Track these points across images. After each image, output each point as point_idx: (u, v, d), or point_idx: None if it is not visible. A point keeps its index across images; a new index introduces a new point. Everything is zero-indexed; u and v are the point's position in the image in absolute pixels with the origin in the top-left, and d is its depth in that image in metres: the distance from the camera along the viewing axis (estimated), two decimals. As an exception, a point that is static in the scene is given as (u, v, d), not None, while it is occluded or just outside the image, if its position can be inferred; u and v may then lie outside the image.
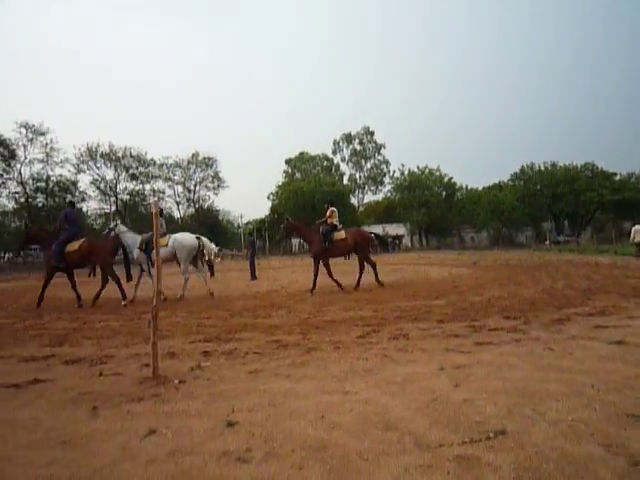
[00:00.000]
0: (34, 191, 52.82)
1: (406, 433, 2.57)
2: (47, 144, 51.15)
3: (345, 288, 10.86)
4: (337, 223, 11.56)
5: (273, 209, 69.00)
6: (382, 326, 5.89)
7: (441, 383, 3.46)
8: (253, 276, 16.07)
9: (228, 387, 3.58)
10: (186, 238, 10.60)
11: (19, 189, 51.59)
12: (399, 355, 4.38)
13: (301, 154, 75.91)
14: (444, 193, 66.80)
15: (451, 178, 67.19)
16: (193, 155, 66.12)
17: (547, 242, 50.07)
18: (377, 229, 68.89)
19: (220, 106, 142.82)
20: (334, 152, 78.44)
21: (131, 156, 60.27)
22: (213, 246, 11.53)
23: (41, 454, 2.51)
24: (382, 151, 76.86)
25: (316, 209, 64.27)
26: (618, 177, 61.88)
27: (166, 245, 10.30)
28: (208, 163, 66.78)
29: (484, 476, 2.08)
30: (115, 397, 3.44)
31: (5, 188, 50.99)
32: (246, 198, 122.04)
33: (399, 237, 67.13)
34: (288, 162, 76.36)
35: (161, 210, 11.70)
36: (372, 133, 76.86)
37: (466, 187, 69.51)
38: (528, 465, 2.15)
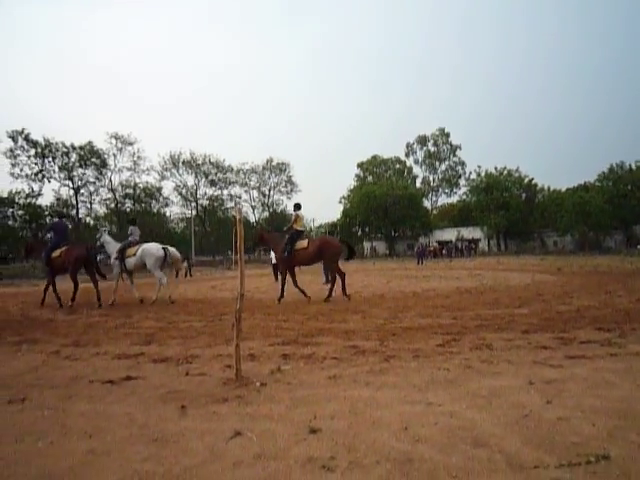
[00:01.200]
0: (123, 197, 57.14)
1: (496, 451, 2.44)
2: (134, 153, 55.39)
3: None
4: (302, 229, 10.96)
5: (345, 212, 69.35)
6: (462, 335, 5.69)
7: (531, 398, 3.27)
8: (327, 279, 16.17)
9: (308, 392, 3.61)
10: (153, 248, 11.25)
11: (110, 195, 56.05)
12: (483, 366, 4.20)
13: (373, 157, 75.75)
14: (524, 195, 63.79)
15: (532, 179, 64.10)
16: (267, 161, 68.17)
17: (639, 247, 46.25)
18: (451, 232, 67.30)
19: (292, 111, 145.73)
20: (407, 155, 77.44)
21: (210, 163, 63.42)
22: (178, 255, 12.22)
23: (136, 450, 2.65)
24: (457, 152, 74.76)
25: (388, 213, 63.88)
26: None
27: (134, 255, 11.17)
28: (282, 168, 68.53)
29: (587, 504, 1.93)
30: (201, 397, 3.58)
31: (98, 195, 55.58)
32: (319, 202, 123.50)
33: (474, 241, 64.93)
34: (360, 165, 76.49)
35: (133, 219, 13.00)
36: (447, 134, 74.98)
37: (548, 188, 66.00)
38: (638, 496, 1.97)
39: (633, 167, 59.25)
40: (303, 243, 10.64)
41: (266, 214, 70.57)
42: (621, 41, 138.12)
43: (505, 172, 64.00)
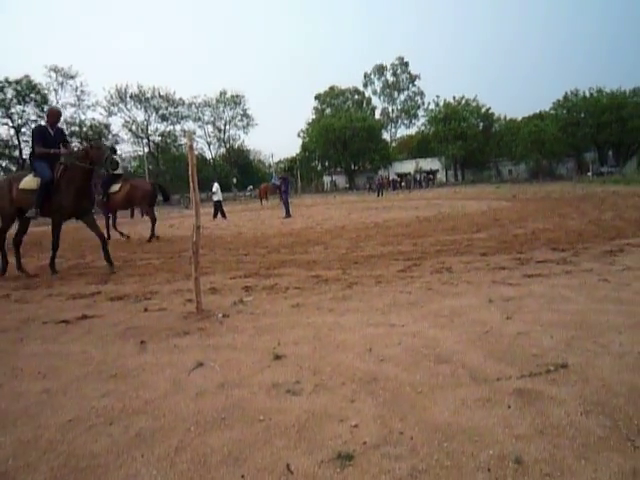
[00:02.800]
0: (69, 135, 53.49)
1: (460, 366, 2.46)
2: (77, 87, 51.45)
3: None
4: (120, 172, 10.61)
5: (304, 147, 68.10)
6: (423, 260, 5.74)
7: (492, 315, 3.33)
8: (287, 214, 16.04)
9: (272, 321, 3.55)
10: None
11: (53, 134, 52.42)
12: (444, 288, 4.24)
13: (331, 89, 73.56)
14: (481, 124, 64.08)
15: (489, 108, 64.13)
16: (221, 93, 65.09)
17: (590, 173, 47.92)
18: (410, 164, 67.55)
19: (246, 42, 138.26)
20: (365, 85, 75.57)
21: (160, 96, 59.97)
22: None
23: (94, 387, 2.53)
24: (416, 82, 73.48)
25: (347, 146, 63.18)
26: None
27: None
28: (236, 101, 65.70)
29: (548, 410, 1.96)
30: (161, 331, 3.46)
31: (41, 133, 51.89)
32: (277, 137, 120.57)
33: (433, 172, 65.58)
34: (318, 97, 74.31)
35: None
36: (406, 64, 73.22)
37: (505, 118, 66.38)
38: (596, 399, 2.02)
39: (587, 95, 60.08)
40: (116, 187, 10.57)
41: (223, 150, 68.51)
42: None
43: (463, 102, 63.68)
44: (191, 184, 4.02)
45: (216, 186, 18.49)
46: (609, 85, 64.16)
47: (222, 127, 66.78)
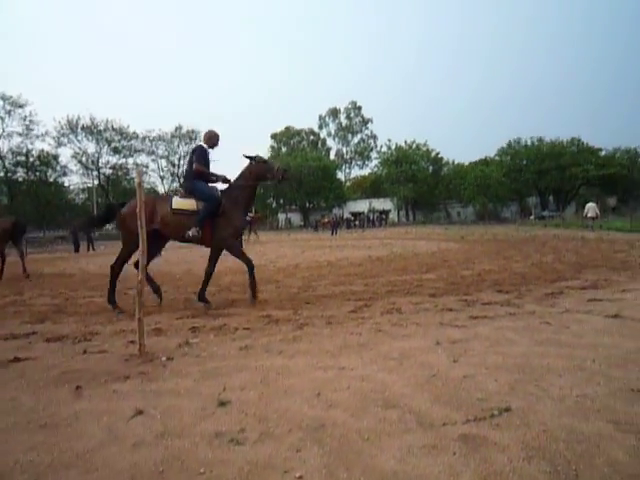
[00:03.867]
0: (14, 165, 51.44)
1: (407, 411, 2.45)
2: (26, 117, 49.73)
3: None
4: None
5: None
6: (374, 300, 5.78)
7: (439, 358, 3.36)
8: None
9: (218, 364, 3.44)
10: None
11: (-2, 163, 50.25)
12: (394, 329, 4.27)
13: (287, 129, 75.06)
14: (431, 168, 66.66)
15: (438, 153, 67.00)
16: (176, 128, 64.75)
17: (532, 217, 50.48)
18: (364, 204, 68.98)
19: (204, 79, 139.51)
20: (320, 127, 77.70)
21: (113, 129, 58.80)
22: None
23: (20, 439, 2.35)
24: (369, 126, 76.21)
25: (302, 184, 63.94)
26: (603, 153, 62.23)
27: None
28: (192, 137, 65.38)
29: (492, 456, 1.97)
30: (100, 376, 3.28)
31: (-16, 162, 49.69)
32: (234, 173, 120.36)
33: (385, 212, 67.19)
34: (274, 137, 75.45)
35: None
36: (359, 108, 76.07)
37: (453, 162, 69.45)
38: (537, 444, 2.05)
39: (528, 143, 64.00)
40: None
41: (176, 184, 67.58)
42: (528, 14, 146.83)
43: (414, 146, 66.28)
44: (139, 221, 3.92)
45: None
46: (549, 135, 68.58)
47: (176, 162, 66.13)
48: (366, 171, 78.08)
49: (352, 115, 76.30)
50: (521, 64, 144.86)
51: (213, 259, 6.17)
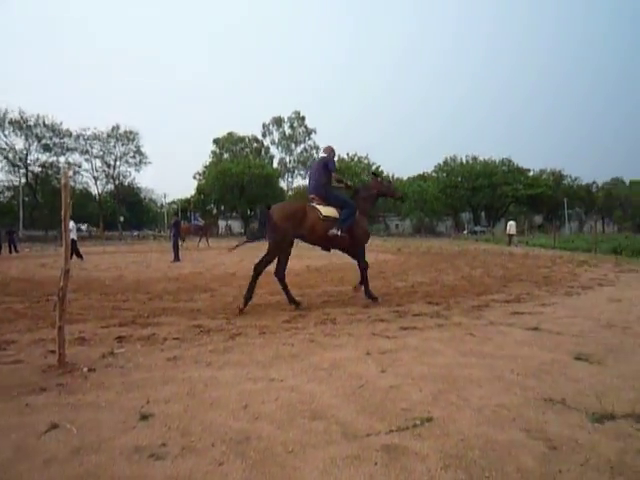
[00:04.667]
0: None
1: (333, 422, 2.47)
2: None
3: None
4: None
5: (199, 189, 67.07)
6: (309, 310, 5.81)
7: (368, 368, 3.42)
8: (176, 258, 15.42)
9: (144, 376, 3.32)
10: None
11: None
12: (326, 340, 4.30)
13: (230, 134, 74.17)
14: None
15: (379, 167, 68.56)
16: (113, 128, 62.31)
17: (465, 232, 52.81)
18: (305, 214, 69.14)
19: (147, 81, 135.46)
20: (264, 135, 77.43)
21: (44, 125, 55.64)
22: None
23: None
24: (312, 136, 76.81)
25: (244, 191, 63.40)
26: (531, 173, 66.34)
27: None
28: (129, 137, 63.24)
29: (411, 466, 2.02)
30: (13, 388, 3.07)
31: None
32: (171, 177, 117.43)
33: (327, 222, 67.64)
34: (216, 142, 74.33)
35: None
36: (303, 118, 76.52)
37: (392, 176, 71.27)
38: (454, 453, 2.13)
39: (463, 161, 67.05)
40: None
41: (111, 186, 64.95)
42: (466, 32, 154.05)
43: (356, 158, 67.59)
44: (63, 224, 3.72)
45: (72, 224, 17.15)
46: (482, 154, 72.20)
47: (112, 162, 63.56)
48: (309, 181, 78.52)
49: (296, 125, 76.64)
50: (463, 84, 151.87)
51: (361, 256, 6.82)
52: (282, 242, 6.15)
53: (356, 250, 6.81)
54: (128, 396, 2.92)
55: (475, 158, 67.32)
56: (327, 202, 6.46)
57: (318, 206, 6.38)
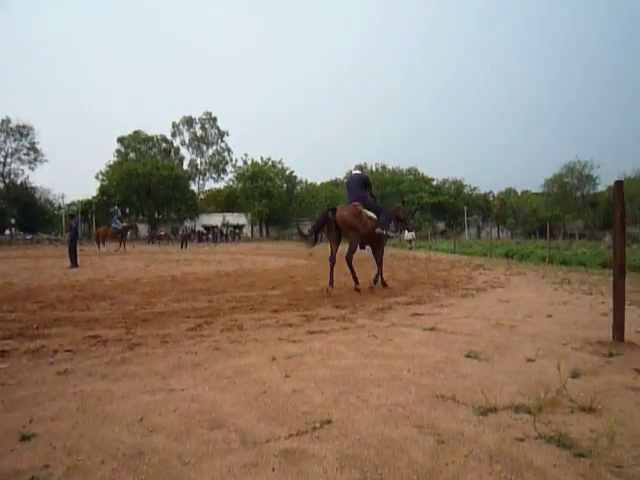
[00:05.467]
0: None
1: (233, 430, 2.43)
2: None
3: None
4: None
5: (102, 190, 63.29)
6: (216, 317, 5.69)
7: (272, 374, 3.41)
8: (74, 263, 14.38)
9: (28, 392, 3.05)
10: None
11: None
12: (231, 347, 4.24)
13: (136, 133, 70.69)
14: (285, 185, 68.44)
15: (292, 172, 69.13)
16: (3, 121, 56.97)
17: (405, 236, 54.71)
18: (218, 217, 67.98)
19: (44, 73, 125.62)
20: (173, 135, 74.82)
21: None
22: None
23: None
24: (225, 138, 75.55)
25: (152, 193, 60.83)
26: (435, 182, 70.40)
27: None
28: (23, 132, 58.16)
29: (309, 469, 2.05)
30: None
31: None
32: (71, 177, 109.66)
33: (239, 227, 67.05)
34: (121, 140, 70.47)
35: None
36: (215, 119, 75.09)
37: (306, 181, 72.24)
38: (351, 453, 2.19)
39: (373, 168, 69.55)
40: None
41: (0, 185, 59.24)
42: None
43: (270, 163, 67.53)
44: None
45: None
46: (391, 162, 75.27)
47: (2, 159, 58.09)
48: (221, 184, 77.10)
49: (207, 126, 74.96)
50: (370, 94, 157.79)
51: (379, 254, 8.90)
52: (357, 234, 8.00)
53: (381, 247, 8.85)
54: (8, 416, 2.67)
55: (384, 166, 70.17)
56: (366, 208, 8.12)
57: (364, 210, 8.03)
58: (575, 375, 3.37)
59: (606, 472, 2.02)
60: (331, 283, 7.92)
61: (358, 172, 8.55)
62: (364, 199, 8.22)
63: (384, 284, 8.66)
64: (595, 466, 2.07)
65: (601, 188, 60.98)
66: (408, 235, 31.25)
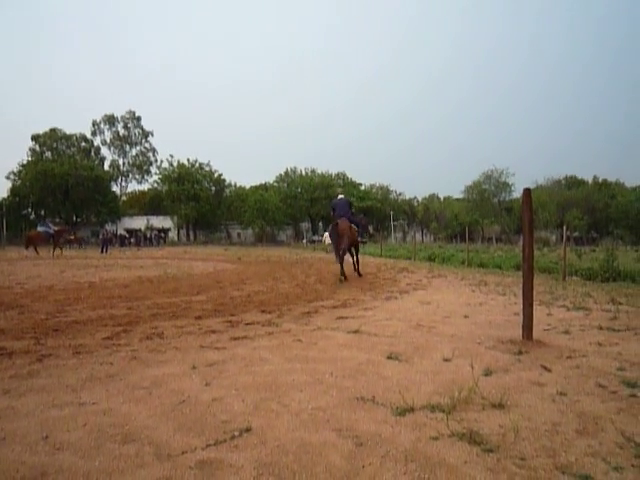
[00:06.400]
0: None
1: (146, 444, 2.34)
2: None
3: None
4: None
5: (14, 191, 58.81)
6: (135, 325, 5.44)
7: (192, 383, 3.32)
8: None
9: None
10: None
11: None
12: (150, 356, 4.07)
13: (53, 131, 66.33)
14: (214, 188, 67.18)
15: (221, 174, 68.00)
16: None
17: (304, 241, 54.96)
18: (142, 221, 65.34)
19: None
20: (94, 134, 71.03)
21: None
22: None
23: None
24: (149, 139, 72.80)
25: (69, 195, 57.42)
26: (363, 187, 72.09)
27: None
28: None
29: (225, 479, 2.01)
30: None
31: None
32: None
33: (165, 230, 64.93)
34: (36, 138, 65.87)
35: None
36: (139, 118, 72.21)
37: (235, 185, 71.30)
38: (269, 461, 2.17)
39: (303, 173, 70.02)
40: None
41: None
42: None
43: (197, 165, 65.99)
44: None
45: None
46: (320, 167, 76.09)
47: None
48: (145, 186, 74.15)
49: (130, 125, 71.91)
50: (296, 100, 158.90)
51: (357, 254, 12.43)
52: (349, 242, 11.01)
53: (358, 250, 12.38)
54: None
55: (314, 170, 70.87)
56: (351, 222, 11.12)
57: (351, 224, 11.08)
58: (487, 373, 3.56)
59: (511, 465, 2.15)
60: (343, 274, 10.86)
61: (342, 196, 12.06)
62: (349, 216, 11.33)
63: (360, 274, 11.99)
64: (502, 460, 2.20)
65: (516, 195, 65.10)
66: (326, 239, 30.70)
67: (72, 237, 38.46)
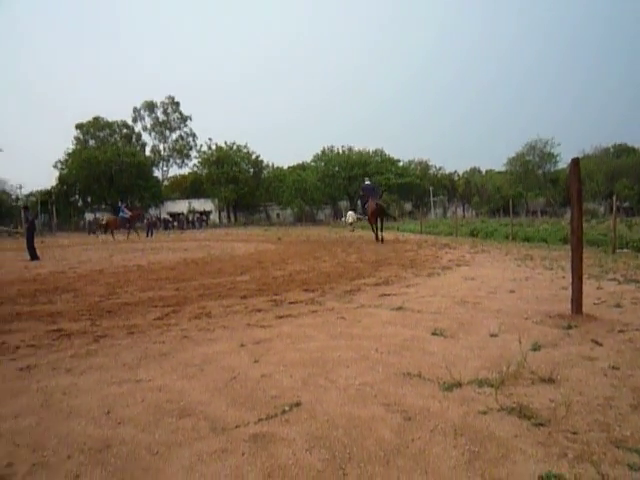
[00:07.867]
0: None
1: (202, 418, 2.44)
2: None
3: None
4: None
5: (62, 179, 61.14)
6: (184, 305, 5.62)
7: (241, 360, 3.42)
8: (33, 256, 13.92)
9: (-11, 391, 2.97)
10: None
11: None
12: (200, 335, 4.21)
13: (96, 119, 68.09)
14: (252, 170, 67.66)
15: (258, 156, 68.29)
16: None
17: (343, 219, 54.93)
18: (183, 204, 66.82)
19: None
20: (134, 120, 72.49)
21: None
22: None
23: None
24: (188, 123, 73.77)
25: (114, 181, 59.22)
26: (401, 163, 70.84)
27: None
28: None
29: (278, 452, 2.07)
30: None
31: None
32: (29, 167, 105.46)
33: (206, 213, 66.17)
34: (80, 127, 67.87)
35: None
36: (177, 103, 73.08)
37: (273, 165, 71.49)
38: (320, 434, 2.22)
39: (340, 151, 69.42)
40: None
41: None
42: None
43: (235, 147, 66.49)
44: None
45: None
46: (358, 145, 75.20)
47: None
48: (185, 170, 75.51)
49: (170, 110, 72.97)
50: (342, 76, 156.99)
51: (382, 226, 17.17)
52: (380, 214, 16.60)
53: (383, 222, 16.80)
54: (-33, 416, 2.60)
55: (350, 149, 70.07)
56: (380, 200, 15.77)
57: (380, 202, 16.16)
58: (536, 348, 3.50)
59: (563, 439, 2.12)
60: (377, 238, 16.66)
61: (369, 182, 18.30)
62: (379, 197, 16.49)
63: (382, 241, 16.44)
64: (553, 434, 2.17)
65: (562, 165, 62.41)
66: (349, 217, 32.17)
67: (103, 222, 39.28)
